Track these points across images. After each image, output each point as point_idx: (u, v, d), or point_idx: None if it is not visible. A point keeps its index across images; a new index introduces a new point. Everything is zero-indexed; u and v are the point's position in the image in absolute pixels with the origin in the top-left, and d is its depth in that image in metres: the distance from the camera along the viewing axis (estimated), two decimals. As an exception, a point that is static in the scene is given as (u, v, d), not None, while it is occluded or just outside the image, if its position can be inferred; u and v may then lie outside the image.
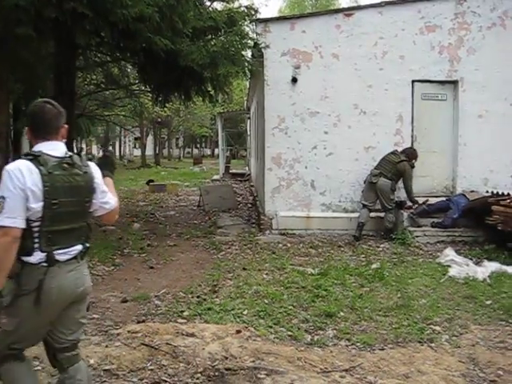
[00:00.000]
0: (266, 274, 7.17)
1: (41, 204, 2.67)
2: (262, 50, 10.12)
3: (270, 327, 5.11)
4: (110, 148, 50.68)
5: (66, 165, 2.82)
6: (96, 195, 3.00)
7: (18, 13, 6.85)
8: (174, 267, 7.78)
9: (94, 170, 3.04)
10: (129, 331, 4.91)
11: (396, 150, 9.68)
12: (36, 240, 2.72)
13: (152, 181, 22.16)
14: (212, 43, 10.05)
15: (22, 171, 2.67)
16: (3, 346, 2.86)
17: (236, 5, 12.10)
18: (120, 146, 56.65)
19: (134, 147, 61.18)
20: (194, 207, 14.61)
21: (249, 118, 24.51)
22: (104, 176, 3.15)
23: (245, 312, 5.52)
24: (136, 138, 55.90)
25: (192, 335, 4.74)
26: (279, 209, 10.12)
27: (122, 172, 34.89)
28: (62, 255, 2.80)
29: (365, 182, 9.68)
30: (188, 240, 9.80)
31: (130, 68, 16.58)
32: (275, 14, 40.50)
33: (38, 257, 2.72)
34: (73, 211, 2.83)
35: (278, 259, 7.99)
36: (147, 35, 8.06)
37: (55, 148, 2.86)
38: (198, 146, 70.32)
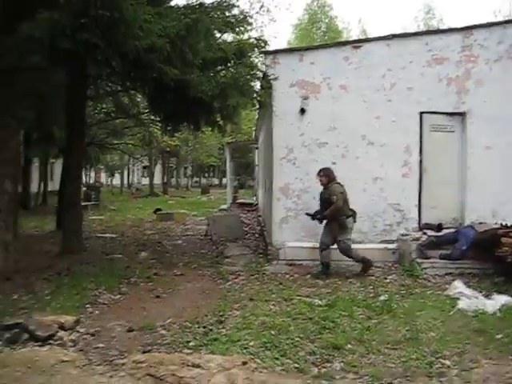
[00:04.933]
0: (273, 304, 7.11)
1: None
2: (271, 81, 10.20)
3: (277, 359, 5.05)
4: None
5: None
6: None
7: (32, 43, 6.97)
8: (181, 297, 7.74)
9: None
10: (134, 361, 4.86)
11: None
12: None
13: (160, 209, 22.21)
14: (221, 74, 10.20)
15: None
16: None
17: (245, 36, 12.29)
18: (128, 175, 56.92)
19: (143, 176, 61.49)
20: (202, 236, 14.60)
21: (257, 148, 24.62)
22: None
23: (251, 343, 5.46)
24: (144, 167, 56.22)
25: (198, 366, 4.68)
26: (287, 239, 10.07)
27: (129, 200, 35.05)
28: None
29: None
30: (195, 269, 9.76)
31: (139, 97, 16.77)
32: (284, 46, 40.98)
33: None
34: None
35: (285, 290, 7.94)
36: (158, 65, 8.16)
37: None
38: (206, 175, 70.54)
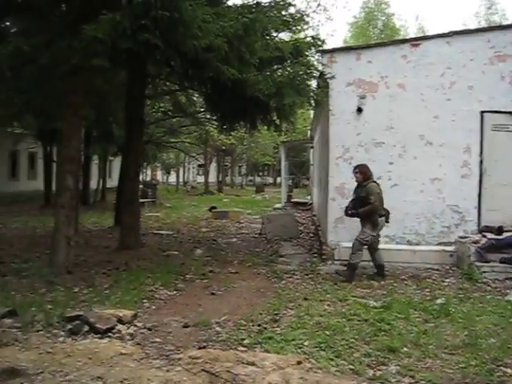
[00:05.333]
0: (328, 304, 7.07)
1: None
2: (328, 80, 10.15)
3: (331, 360, 5.02)
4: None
5: None
6: None
7: (95, 44, 7.17)
8: (235, 294, 7.80)
9: None
10: (190, 356, 4.92)
11: None
12: None
13: (215, 207, 22.42)
14: (278, 73, 10.22)
15: None
16: None
17: (302, 35, 12.26)
18: (184, 173, 57.73)
19: (198, 174, 62.23)
20: (256, 235, 14.66)
21: (312, 147, 24.53)
22: None
23: (306, 343, 5.45)
24: (199, 165, 56.85)
25: (252, 364, 4.71)
26: (342, 239, 10.00)
27: (185, 198, 35.54)
28: None
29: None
30: (249, 268, 9.81)
31: (196, 96, 16.98)
32: (340, 44, 40.66)
33: None
34: None
35: (340, 290, 7.88)
36: (215, 65, 8.25)
37: None
38: (261, 174, 70.74)
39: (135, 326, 6.04)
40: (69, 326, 5.82)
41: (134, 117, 11.59)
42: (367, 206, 8.67)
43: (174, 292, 7.86)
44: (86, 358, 4.93)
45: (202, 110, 17.56)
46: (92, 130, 20.27)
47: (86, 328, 5.73)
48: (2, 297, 7.09)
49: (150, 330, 6.00)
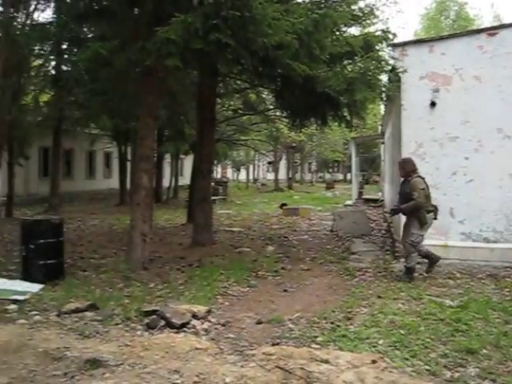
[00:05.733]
0: (402, 303, 6.94)
1: None
2: (400, 74, 9.94)
3: (407, 359, 4.93)
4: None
5: None
6: None
7: (168, 46, 7.34)
8: (308, 291, 7.80)
9: None
10: (264, 353, 4.96)
11: None
12: None
13: (285, 204, 22.45)
14: (349, 69, 10.10)
15: None
16: None
17: (372, 29, 12.07)
18: (253, 170, 58.09)
19: (267, 171, 62.48)
20: (327, 232, 14.58)
21: (383, 143, 24.13)
22: None
23: (380, 342, 5.38)
24: (269, 162, 57.05)
25: (326, 362, 4.69)
26: (415, 236, 9.79)
27: (255, 195, 35.77)
28: None
29: None
30: (321, 265, 9.77)
31: (266, 94, 17.05)
32: (410, 37, 39.73)
33: None
34: None
35: (414, 289, 7.71)
36: (286, 62, 8.25)
37: None
38: (330, 170, 70.21)
39: (209, 321, 6.16)
40: (146, 321, 6.02)
41: (206, 115, 11.77)
42: (410, 201, 8.37)
43: (247, 288, 7.95)
44: (163, 351, 5.07)
45: (272, 107, 17.62)
46: (164, 129, 20.73)
47: (162, 323, 5.89)
48: (84, 291, 7.41)
49: (223, 325, 6.09)
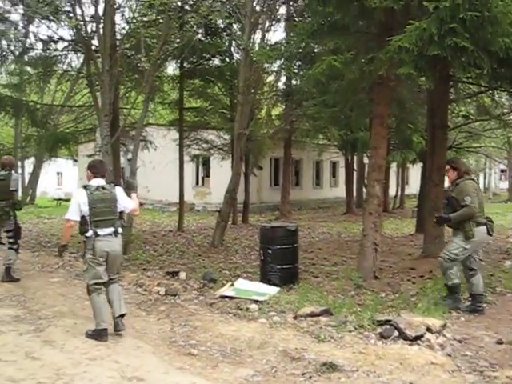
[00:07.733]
0: None
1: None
2: None
3: None
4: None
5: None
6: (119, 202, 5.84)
7: (401, 54, 7.28)
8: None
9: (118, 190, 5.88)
10: (507, 376, 4.65)
11: None
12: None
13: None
14: None
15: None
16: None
17: None
18: (484, 178, 54.50)
19: (500, 179, 58.35)
20: None
21: None
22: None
23: None
24: (502, 170, 53.39)
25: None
26: None
27: (486, 205, 33.50)
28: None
29: None
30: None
31: (503, 97, 15.94)
32: None
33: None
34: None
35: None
36: (528, 62, 7.65)
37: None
38: None
39: (444, 336, 5.92)
40: (379, 330, 6.01)
41: (438, 122, 11.40)
42: (461, 209, 6.78)
43: (484, 305, 7.48)
44: (397, 362, 5.05)
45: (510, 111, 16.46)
46: (390, 138, 20.55)
47: (396, 333, 5.83)
48: (317, 296, 7.67)
49: (460, 342, 5.82)
